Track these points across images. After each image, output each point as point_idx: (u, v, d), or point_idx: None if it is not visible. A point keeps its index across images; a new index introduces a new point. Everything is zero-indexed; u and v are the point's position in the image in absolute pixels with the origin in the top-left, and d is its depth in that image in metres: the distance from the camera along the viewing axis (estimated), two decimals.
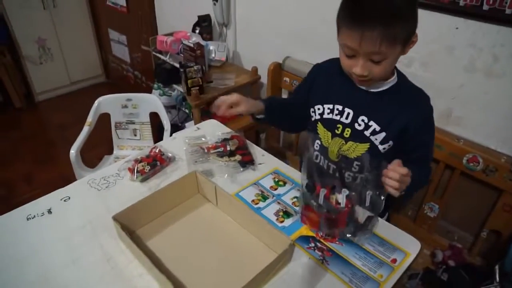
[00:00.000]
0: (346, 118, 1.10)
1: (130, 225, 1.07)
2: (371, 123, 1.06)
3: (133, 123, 2.30)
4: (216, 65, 2.27)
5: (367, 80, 0.97)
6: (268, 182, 1.26)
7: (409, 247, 1.02)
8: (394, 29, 0.86)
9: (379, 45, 0.87)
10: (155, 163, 1.29)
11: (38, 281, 0.94)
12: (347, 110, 1.10)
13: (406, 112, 1.03)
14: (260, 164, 1.35)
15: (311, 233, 1.06)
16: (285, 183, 1.26)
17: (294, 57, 1.98)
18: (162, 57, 2.41)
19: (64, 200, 1.19)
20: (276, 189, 1.23)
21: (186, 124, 2.39)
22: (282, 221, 1.11)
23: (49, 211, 1.15)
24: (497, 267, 1.30)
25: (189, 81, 1.88)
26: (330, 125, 1.14)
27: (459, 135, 1.52)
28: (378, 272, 0.94)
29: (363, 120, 1.07)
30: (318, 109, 1.16)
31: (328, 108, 1.13)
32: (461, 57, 1.43)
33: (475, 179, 1.47)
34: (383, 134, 1.06)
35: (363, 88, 1.06)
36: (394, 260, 0.98)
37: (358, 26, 0.87)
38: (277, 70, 1.99)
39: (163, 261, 1.00)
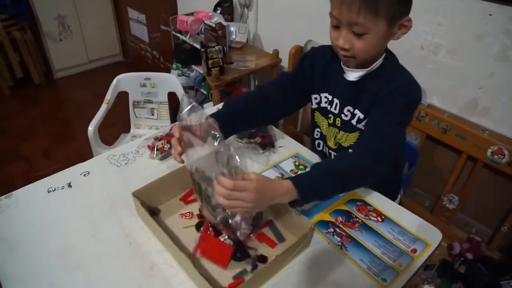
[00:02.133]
0: (335, 108, 1.09)
1: (150, 202, 1.08)
2: (356, 111, 1.03)
3: (151, 102, 2.30)
4: (237, 46, 2.24)
5: (351, 57, 0.93)
6: (288, 166, 1.25)
7: (429, 237, 1.00)
8: (376, 1, 0.82)
9: (357, 14, 0.83)
10: None
11: (59, 253, 0.95)
12: (335, 100, 1.08)
13: (383, 89, 0.96)
14: (281, 147, 1.33)
15: (330, 218, 1.05)
16: (305, 167, 1.24)
17: (316, 40, 1.94)
18: (182, 37, 2.39)
19: (84, 175, 1.20)
20: (296, 173, 1.22)
21: (204, 106, 2.38)
22: (301, 205, 1.10)
23: (69, 185, 1.16)
24: None
25: (209, 61, 1.86)
26: (325, 114, 1.13)
27: (485, 126, 1.47)
28: (398, 261, 0.93)
29: (349, 110, 1.05)
30: (315, 98, 1.14)
31: (325, 97, 1.11)
32: (492, 45, 1.38)
33: (498, 172, 1.44)
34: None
35: (348, 76, 1.01)
36: (414, 250, 0.96)
37: None
38: (299, 53, 1.95)
39: (181, 239, 1.00)
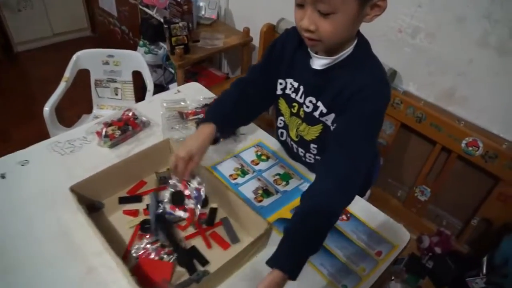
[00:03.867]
0: (300, 97, 0.97)
1: (93, 196, 0.97)
2: (319, 103, 0.92)
3: (115, 81, 2.14)
4: (206, 23, 2.09)
5: (317, 40, 0.81)
6: (249, 156, 1.15)
7: (397, 237, 0.94)
8: None
9: None
10: (126, 128, 1.17)
11: None
12: (301, 88, 0.97)
13: (351, 84, 0.84)
14: (243, 134, 1.23)
15: (290, 215, 0.96)
16: (268, 158, 1.15)
17: (289, 19, 1.82)
18: (148, 11, 2.22)
19: (22, 164, 1.07)
20: (257, 164, 1.13)
21: (170, 86, 2.24)
22: (260, 201, 1.01)
23: (2, 176, 1.03)
24: (485, 259, 1.24)
25: (173, 39, 1.71)
26: (289, 102, 1.02)
27: (461, 116, 1.40)
28: (361, 265, 0.86)
29: (311, 101, 0.94)
30: (280, 83, 1.02)
31: (291, 84, 0.99)
32: (473, 30, 1.29)
33: (472, 164, 1.38)
34: (332, 115, 0.92)
35: (313, 64, 0.90)
36: (379, 253, 0.89)
37: None
38: (270, 32, 1.83)
39: (125, 238, 0.90)
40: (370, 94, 0.82)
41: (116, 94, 2.18)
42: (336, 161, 0.80)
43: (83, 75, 2.07)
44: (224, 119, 0.96)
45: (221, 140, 1.17)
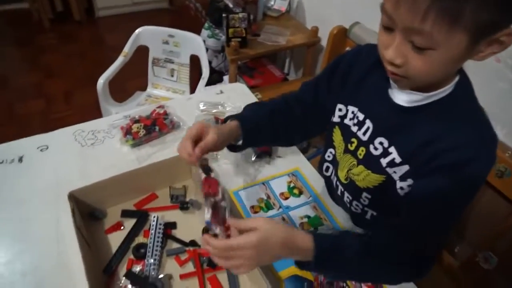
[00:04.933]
0: (364, 133, 0.76)
1: (96, 203, 0.88)
2: (392, 149, 0.71)
3: (172, 62, 2.08)
4: (273, 15, 1.91)
5: (401, 76, 0.61)
6: (280, 186, 0.99)
7: None
8: (458, 1, 0.48)
9: (421, 18, 0.50)
10: (153, 128, 1.07)
11: None
12: (367, 122, 0.76)
13: (442, 140, 0.64)
14: (279, 157, 1.07)
15: (309, 275, 0.80)
16: (300, 193, 0.98)
17: (365, 24, 1.58)
18: None
19: (41, 150, 1.02)
20: (287, 199, 0.96)
21: (224, 78, 2.12)
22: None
23: (20, 159, 0.99)
24: None
25: (230, 30, 1.57)
26: (347, 135, 0.82)
27: None
28: None
29: (381, 143, 0.73)
30: (340, 110, 0.82)
31: (352, 113, 0.79)
32: None
33: None
34: (405, 168, 0.70)
35: (395, 97, 0.69)
36: None
37: None
38: (341, 36, 1.60)
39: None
40: (472, 158, 0.61)
41: (172, 76, 2.12)
42: (411, 235, 0.67)
43: (141, 51, 2.03)
44: (253, 124, 0.81)
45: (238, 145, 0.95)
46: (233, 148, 0.82)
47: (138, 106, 2.07)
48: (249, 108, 0.88)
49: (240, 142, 0.81)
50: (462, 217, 1.38)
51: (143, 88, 2.17)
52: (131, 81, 2.38)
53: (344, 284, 0.79)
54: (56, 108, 2.53)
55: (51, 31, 3.23)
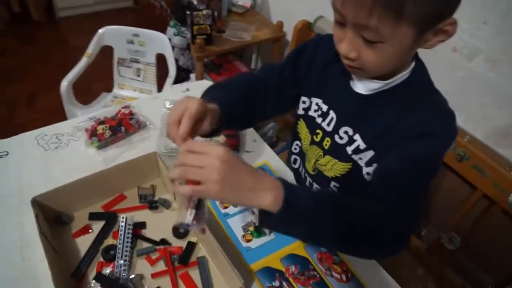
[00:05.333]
0: (328, 124, 0.79)
1: (62, 208, 0.86)
2: (356, 137, 0.74)
3: (138, 62, 2.05)
4: (238, 11, 1.92)
5: (357, 68, 0.64)
6: None
7: None
8: None
9: (367, 14, 0.53)
10: (118, 128, 1.05)
11: None
12: (331, 113, 0.78)
13: (404, 120, 0.67)
14: (248, 152, 1.08)
15: (280, 266, 0.82)
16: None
17: (329, 17, 1.61)
18: None
19: (0, 156, 0.98)
20: None
21: (191, 76, 2.11)
22: (249, 240, 0.87)
23: None
24: None
25: (194, 27, 1.56)
26: (312, 126, 0.84)
27: None
28: None
29: (346, 132, 0.76)
30: (304, 102, 0.85)
31: (316, 104, 0.82)
32: None
33: None
34: (370, 153, 0.73)
35: (356, 86, 0.72)
36: None
37: None
38: (305, 30, 1.63)
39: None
40: (435, 130, 0.64)
41: (138, 75, 2.10)
42: (383, 199, 0.64)
43: (107, 52, 1.99)
44: (230, 107, 0.74)
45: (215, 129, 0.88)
46: (209, 133, 0.73)
47: (105, 108, 2.03)
48: (220, 89, 0.82)
49: (216, 126, 0.72)
50: (428, 199, 1.44)
51: (109, 89, 2.12)
52: (97, 82, 2.34)
53: (315, 272, 0.81)
54: (19, 113, 2.44)
55: (8, 34, 3.09)
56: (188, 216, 0.58)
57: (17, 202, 0.88)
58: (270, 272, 0.80)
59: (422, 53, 0.67)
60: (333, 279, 0.80)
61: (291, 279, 0.79)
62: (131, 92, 2.11)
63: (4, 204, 0.88)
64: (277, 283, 0.78)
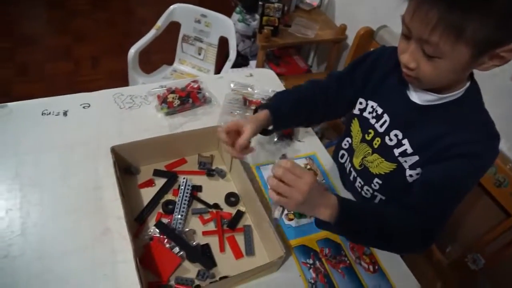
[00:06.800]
0: (381, 126, 0.87)
1: (131, 160, 0.98)
2: (405, 141, 0.82)
3: (201, 41, 2.16)
4: (305, 8, 1.98)
5: (414, 77, 0.71)
6: None
7: None
8: (462, 19, 0.57)
9: (430, 30, 0.60)
10: (186, 99, 1.16)
11: (27, 183, 0.90)
12: (385, 116, 0.86)
13: (451, 135, 0.74)
14: (300, 141, 1.16)
15: (315, 246, 0.90)
16: (315, 176, 1.07)
17: (392, 27, 1.64)
18: None
19: (83, 107, 1.12)
20: None
21: (251, 63, 2.20)
22: (291, 219, 0.95)
23: (65, 113, 1.09)
24: None
25: (264, 18, 1.65)
26: (365, 126, 0.92)
27: None
28: None
29: (396, 135, 0.83)
30: (361, 103, 0.93)
31: (372, 107, 0.90)
32: None
33: None
34: (415, 158, 0.80)
35: (412, 96, 0.80)
36: None
37: None
38: (367, 37, 1.67)
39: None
40: (479, 152, 0.72)
41: (199, 54, 2.20)
42: (422, 214, 0.75)
43: (172, 27, 2.10)
44: (281, 113, 0.91)
45: (274, 134, 1.08)
46: (264, 132, 0.93)
47: (164, 79, 2.17)
48: (278, 96, 0.98)
49: (271, 128, 0.92)
50: (457, 220, 1.47)
51: (168, 62, 2.25)
52: (157, 54, 2.47)
53: (346, 258, 0.89)
54: (83, 71, 2.63)
55: None
56: (276, 212, 0.72)
57: (94, 148, 1.00)
58: (306, 250, 0.89)
59: (479, 75, 0.73)
60: (361, 268, 0.88)
61: (323, 260, 0.87)
62: (190, 68, 2.22)
63: (83, 149, 1.00)
64: (310, 261, 0.87)
